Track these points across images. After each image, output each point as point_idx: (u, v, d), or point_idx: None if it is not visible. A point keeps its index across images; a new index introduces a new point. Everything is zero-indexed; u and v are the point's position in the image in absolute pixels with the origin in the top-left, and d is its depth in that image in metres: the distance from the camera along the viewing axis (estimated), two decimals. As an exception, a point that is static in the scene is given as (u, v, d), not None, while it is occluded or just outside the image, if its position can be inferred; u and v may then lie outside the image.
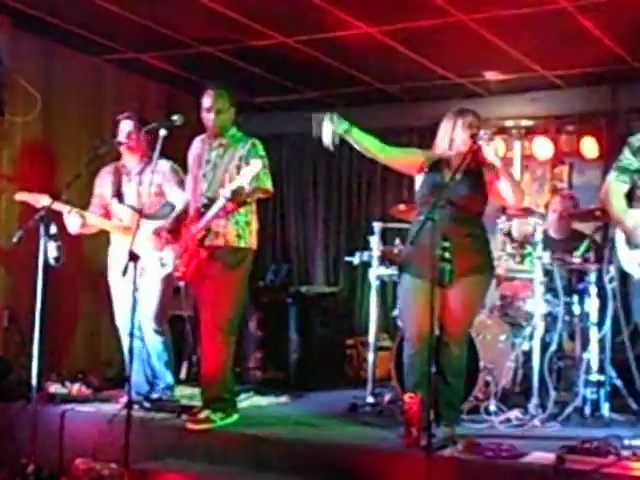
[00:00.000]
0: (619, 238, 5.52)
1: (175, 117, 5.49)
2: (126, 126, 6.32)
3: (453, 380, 5.33)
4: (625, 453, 4.50)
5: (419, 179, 5.52)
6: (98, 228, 6.41)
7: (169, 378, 6.38)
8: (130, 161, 6.39)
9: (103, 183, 6.48)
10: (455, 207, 5.21)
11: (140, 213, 5.66)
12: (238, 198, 5.50)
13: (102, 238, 6.46)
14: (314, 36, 7.19)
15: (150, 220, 6.15)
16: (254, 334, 8.17)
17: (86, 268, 7.47)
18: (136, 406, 5.81)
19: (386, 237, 6.86)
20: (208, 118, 5.81)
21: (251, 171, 5.40)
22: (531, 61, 7.57)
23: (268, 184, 5.76)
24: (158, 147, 5.37)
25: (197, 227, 5.65)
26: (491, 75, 8.03)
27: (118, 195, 6.37)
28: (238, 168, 5.62)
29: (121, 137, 6.31)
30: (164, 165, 6.17)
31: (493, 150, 5.31)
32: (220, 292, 5.66)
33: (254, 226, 5.87)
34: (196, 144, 5.98)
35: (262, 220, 6.09)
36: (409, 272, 5.41)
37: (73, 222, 6.19)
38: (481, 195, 5.38)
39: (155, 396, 6.24)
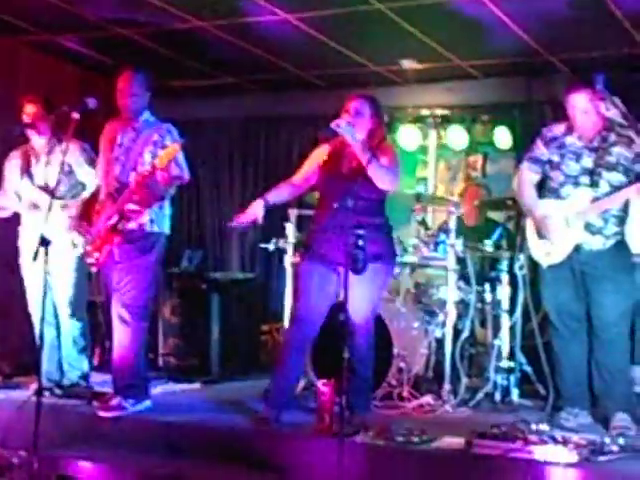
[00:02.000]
0: (529, 227, 5.63)
1: (89, 100, 5.40)
2: (31, 108, 6.22)
3: (361, 369, 5.33)
4: (532, 437, 4.59)
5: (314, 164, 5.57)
6: (11, 211, 6.30)
7: (85, 365, 6.28)
8: (37, 143, 6.28)
9: (11, 166, 6.37)
10: (355, 196, 5.21)
11: (50, 193, 5.57)
12: (152, 185, 5.45)
13: (13, 223, 6.35)
14: (231, 21, 7.14)
15: (60, 200, 6.06)
16: (168, 320, 8.10)
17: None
18: (47, 393, 5.75)
19: (302, 224, 6.86)
20: (122, 101, 5.74)
21: (167, 154, 5.34)
22: (447, 51, 7.62)
23: (186, 171, 5.72)
24: (70, 130, 5.30)
25: (108, 211, 5.59)
26: (407, 64, 8.07)
27: (28, 176, 6.27)
28: (152, 154, 5.57)
29: (26, 119, 6.20)
30: (74, 145, 6.08)
31: (351, 137, 5.20)
32: (132, 277, 5.62)
33: (167, 211, 5.83)
34: (108, 127, 5.91)
35: (177, 205, 6.05)
36: (310, 257, 5.42)
37: None
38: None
39: (68, 383, 6.16)
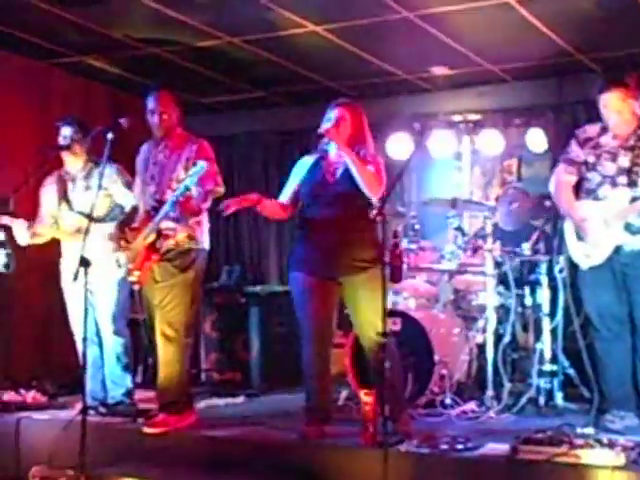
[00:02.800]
0: (568, 229, 5.59)
1: (122, 120, 5.45)
2: (67, 131, 6.26)
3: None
4: (578, 442, 4.54)
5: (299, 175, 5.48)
6: (48, 237, 6.34)
7: (128, 382, 6.29)
8: (73, 167, 6.31)
9: (48, 192, 6.38)
10: (344, 204, 5.20)
11: (90, 218, 5.61)
12: (188, 202, 5.48)
13: (53, 244, 6.41)
14: (260, 35, 7.18)
15: (101, 223, 6.10)
16: (209, 335, 8.16)
17: (37, 274, 7.39)
18: (92, 411, 5.78)
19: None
20: (153, 120, 5.78)
21: (196, 172, 5.36)
22: (477, 56, 7.61)
23: (221, 185, 5.72)
24: (106, 150, 5.34)
25: (147, 230, 5.63)
26: (438, 70, 8.07)
27: (66, 202, 6.31)
28: (186, 169, 5.60)
29: (62, 142, 6.24)
30: (110, 168, 6.12)
31: (336, 142, 5.19)
32: (173, 294, 5.64)
33: (205, 226, 5.84)
34: (144, 148, 5.96)
35: (214, 221, 6.07)
36: (307, 269, 5.30)
37: (21, 234, 6.13)
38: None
39: (112, 401, 6.19)
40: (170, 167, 5.71)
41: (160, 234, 5.59)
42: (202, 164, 5.37)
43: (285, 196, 5.48)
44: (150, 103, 5.80)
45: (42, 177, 6.43)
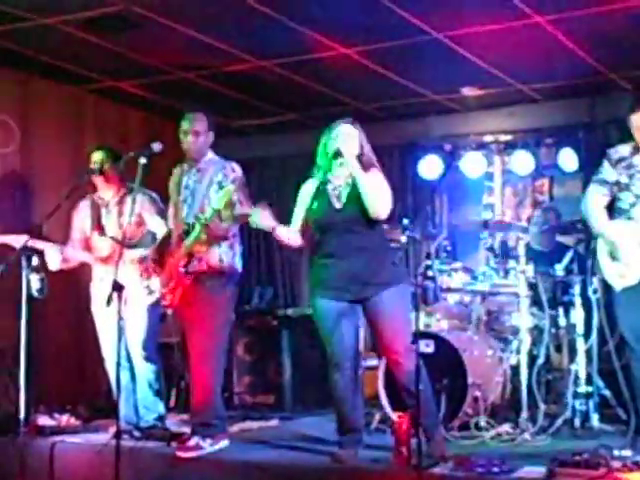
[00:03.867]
0: (601, 250, 5.55)
1: (154, 144, 5.46)
2: (98, 156, 6.29)
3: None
4: (615, 464, 4.49)
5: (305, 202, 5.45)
6: (79, 262, 6.37)
7: (161, 407, 6.30)
8: (106, 192, 6.33)
9: (81, 217, 6.41)
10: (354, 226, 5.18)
11: (122, 244, 5.63)
12: (216, 225, 5.50)
13: (85, 269, 6.44)
14: (290, 59, 7.22)
15: (133, 250, 6.13)
16: (242, 358, 8.17)
17: (70, 299, 7.43)
18: (125, 435, 5.78)
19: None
20: (186, 141, 5.80)
21: (224, 195, 5.38)
22: (507, 76, 7.61)
23: (249, 210, 5.71)
24: (139, 175, 5.35)
25: (179, 254, 5.65)
26: (468, 91, 8.07)
27: (99, 228, 6.34)
28: (217, 193, 5.62)
29: (95, 168, 6.27)
30: (143, 195, 6.15)
31: (351, 161, 5.16)
32: (206, 317, 5.63)
33: (238, 248, 5.85)
34: (176, 171, 5.99)
35: (247, 243, 6.08)
36: (325, 295, 5.24)
37: (53, 259, 6.16)
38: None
39: (145, 425, 6.20)
40: (202, 191, 5.73)
41: (192, 257, 5.61)
42: (230, 187, 5.39)
43: (295, 225, 5.43)
44: (184, 125, 5.83)
45: (75, 202, 6.46)
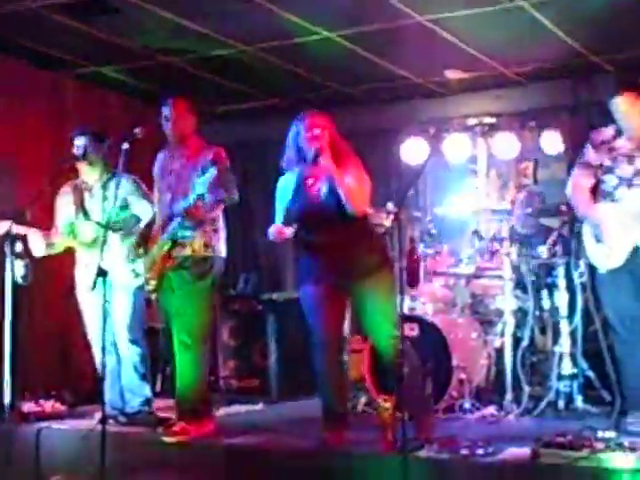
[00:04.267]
0: (586, 232, 5.58)
1: (136, 130, 5.45)
2: (80, 141, 6.26)
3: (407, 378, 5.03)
4: (599, 445, 4.52)
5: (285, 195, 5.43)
6: (64, 247, 6.35)
7: (147, 391, 6.28)
8: (90, 177, 6.30)
9: (64, 202, 6.37)
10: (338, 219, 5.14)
11: (107, 228, 5.62)
12: (197, 210, 5.49)
13: (70, 254, 6.42)
14: (273, 43, 7.19)
15: (117, 234, 6.11)
16: (227, 343, 8.17)
17: (55, 284, 7.40)
18: (111, 421, 5.78)
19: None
20: (168, 127, 5.80)
21: (206, 179, 5.36)
22: (491, 59, 7.61)
23: (234, 192, 5.71)
24: (121, 161, 5.35)
25: (162, 239, 5.64)
26: (452, 74, 8.06)
27: (83, 212, 6.32)
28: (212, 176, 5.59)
29: (77, 152, 6.25)
30: (127, 179, 6.12)
31: (329, 164, 5.12)
32: (190, 302, 5.65)
33: (222, 233, 5.85)
34: (160, 156, 5.97)
35: (231, 229, 6.07)
36: (312, 282, 5.27)
37: (37, 244, 6.13)
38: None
39: (131, 410, 6.19)
40: (185, 176, 5.71)
41: (176, 243, 5.61)
42: (212, 171, 5.37)
43: (279, 221, 5.39)
44: (165, 110, 5.82)
45: (58, 187, 6.44)
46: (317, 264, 5.24)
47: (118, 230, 6.12)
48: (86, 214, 6.29)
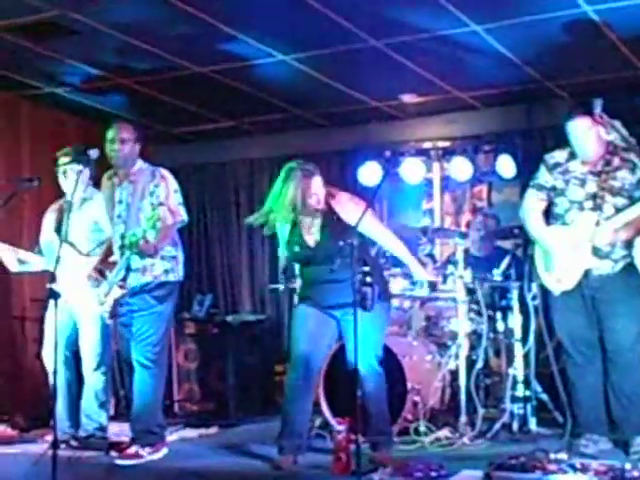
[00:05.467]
0: (538, 255, 5.62)
1: (91, 151, 5.44)
2: (62, 162, 6.22)
3: (374, 408, 5.27)
4: (551, 467, 4.54)
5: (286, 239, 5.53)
6: (38, 266, 6.29)
7: (103, 419, 6.19)
8: (70, 196, 6.27)
9: (46, 220, 6.37)
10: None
11: (75, 249, 5.58)
12: (146, 244, 5.46)
13: (23, 276, 6.37)
14: (229, 65, 7.19)
15: (87, 257, 6.07)
16: (182, 366, 8.13)
17: (6, 306, 7.33)
18: (63, 445, 5.72)
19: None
20: (112, 150, 5.73)
21: (153, 216, 5.36)
22: (446, 83, 7.66)
23: (178, 217, 5.66)
24: (75, 182, 5.33)
25: (117, 268, 5.61)
26: (407, 98, 8.10)
27: (57, 232, 6.27)
28: (152, 205, 5.55)
29: (62, 173, 6.19)
30: (98, 200, 6.08)
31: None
32: (150, 325, 5.65)
33: (180, 258, 5.84)
34: (105, 183, 5.91)
35: (186, 250, 6.05)
36: (306, 302, 5.44)
37: (9, 260, 6.12)
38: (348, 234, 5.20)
39: (84, 434, 6.12)
40: (135, 205, 5.66)
41: (129, 271, 5.57)
42: (157, 212, 5.36)
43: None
44: (110, 133, 5.76)
45: (17, 204, 6.46)
46: (312, 296, 5.40)
47: (87, 253, 6.07)
48: (59, 234, 6.25)
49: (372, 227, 5.33)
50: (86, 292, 5.97)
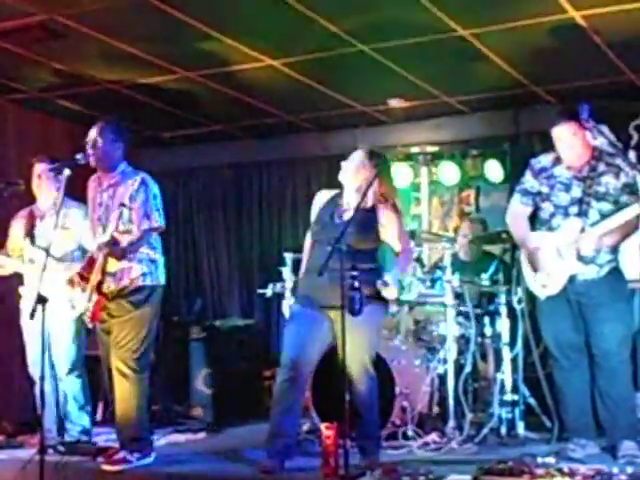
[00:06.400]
0: (523, 260, 5.63)
1: (78, 156, 5.43)
2: (37, 169, 6.24)
3: (364, 412, 5.25)
4: (539, 471, 4.56)
5: (314, 214, 5.55)
6: (10, 269, 6.30)
7: (85, 421, 6.24)
8: (44, 203, 6.31)
9: (16, 225, 6.39)
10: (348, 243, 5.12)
11: (48, 254, 5.55)
12: (113, 248, 5.44)
13: (11, 281, 6.35)
14: (216, 70, 7.19)
15: (60, 262, 6.06)
16: (170, 370, 8.10)
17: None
18: (50, 450, 5.71)
19: (298, 268, 6.84)
20: (90, 151, 5.63)
21: (127, 214, 5.35)
22: (433, 88, 7.67)
23: (154, 223, 5.63)
24: (62, 187, 5.32)
25: (96, 271, 5.59)
26: (395, 102, 8.11)
27: (30, 237, 6.27)
28: (129, 209, 5.48)
29: (34, 179, 6.21)
30: (79, 209, 6.07)
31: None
32: (127, 331, 5.59)
33: (160, 260, 5.78)
34: (92, 185, 5.87)
35: (174, 254, 6.04)
36: (301, 301, 5.45)
37: None
38: (371, 235, 5.33)
39: (70, 439, 6.11)
40: (114, 208, 5.58)
41: (104, 275, 5.54)
42: (135, 203, 5.37)
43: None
44: (89, 134, 5.69)
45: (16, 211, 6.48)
46: (312, 287, 5.33)
47: (60, 259, 6.07)
48: (32, 239, 6.24)
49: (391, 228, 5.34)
50: (59, 296, 5.90)
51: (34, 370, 6.15)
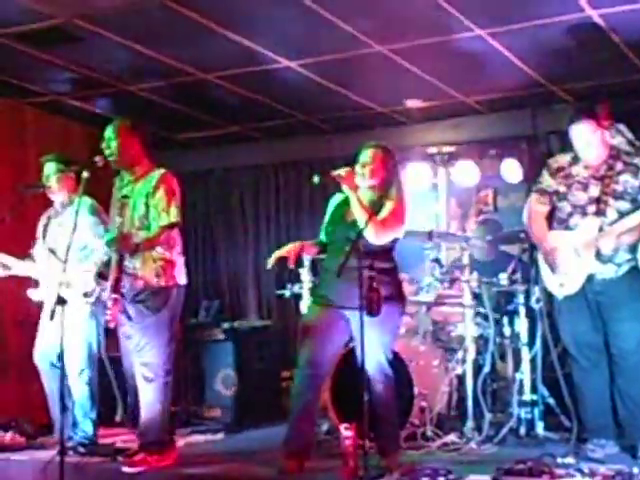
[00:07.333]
0: (541, 259, 5.61)
1: (97, 158, 5.44)
2: (48, 168, 6.25)
3: (383, 413, 5.23)
4: (559, 472, 4.55)
5: (327, 215, 5.56)
6: (22, 271, 6.28)
7: (88, 428, 6.17)
8: (57, 203, 6.32)
9: (40, 226, 6.38)
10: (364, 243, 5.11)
11: (56, 255, 5.57)
12: (123, 240, 5.47)
13: (30, 282, 6.37)
14: (234, 71, 7.20)
15: (71, 263, 6.07)
16: (189, 372, 8.12)
17: (15, 312, 7.33)
18: (70, 452, 5.72)
19: (316, 269, 6.86)
20: (108, 150, 5.66)
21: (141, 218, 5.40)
22: (450, 88, 7.66)
23: (172, 218, 5.61)
24: (81, 189, 5.34)
25: (111, 273, 5.61)
26: (412, 103, 8.11)
27: (43, 238, 6.29)
28: (147, 206, 5.54)
29: (44, 180, 6.24)
30: (90, 214, 6.09)
31: (348, 188, 5.21)
32: (148, 336, 5.57)
33: (179, 261, 5.73)
34: (117, 184, 5.87)
35: (192, 256, 6.03)
36: (318, 301, 5.42)
37: None
38: None
39: (71, 444, 6.05)
40: (132, 205, 5.63)
41: (120, 275, 5.54)
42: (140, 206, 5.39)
43: (322, 234, 5.58)
44: (106, 132, 5.71)
45: (23, 212, 6.48)
46: (323, 289, 5.39)
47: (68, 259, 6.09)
48: (44, 240, 6.26)
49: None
50: (73, 296, 5.91)
51: (40, 362, 6.17)
